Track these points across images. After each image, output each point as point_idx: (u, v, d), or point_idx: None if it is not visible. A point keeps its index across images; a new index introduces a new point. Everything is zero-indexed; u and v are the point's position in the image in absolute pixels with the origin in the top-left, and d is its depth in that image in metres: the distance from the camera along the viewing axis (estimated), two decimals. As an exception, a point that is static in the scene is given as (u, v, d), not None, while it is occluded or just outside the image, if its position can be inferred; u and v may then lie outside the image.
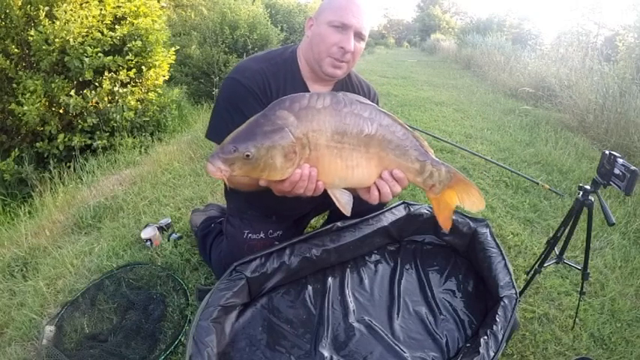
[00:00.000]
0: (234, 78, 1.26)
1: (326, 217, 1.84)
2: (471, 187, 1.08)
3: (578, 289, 1.51)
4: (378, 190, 1.05)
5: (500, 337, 1.09)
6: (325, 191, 1.44)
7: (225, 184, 1.22)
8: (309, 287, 1.33)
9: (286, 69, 1.30)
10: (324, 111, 0.96)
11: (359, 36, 1.23)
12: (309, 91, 1.31)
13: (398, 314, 1.27)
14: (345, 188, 1.05)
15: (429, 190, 1.09)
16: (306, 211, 1.57)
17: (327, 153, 0.98)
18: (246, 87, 1.24)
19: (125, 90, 4.02)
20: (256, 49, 6.69)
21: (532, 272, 1.55)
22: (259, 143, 0.91)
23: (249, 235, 1.44)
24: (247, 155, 0.90)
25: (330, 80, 1.33)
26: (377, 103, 1.44)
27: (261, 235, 1.45)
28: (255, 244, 1.42)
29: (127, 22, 4.09)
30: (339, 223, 1.42)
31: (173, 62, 4.75)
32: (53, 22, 3.59)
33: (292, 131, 0.93)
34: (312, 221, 1.86)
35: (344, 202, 1.05)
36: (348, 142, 0.98)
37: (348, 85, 1.41)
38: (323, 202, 1.53)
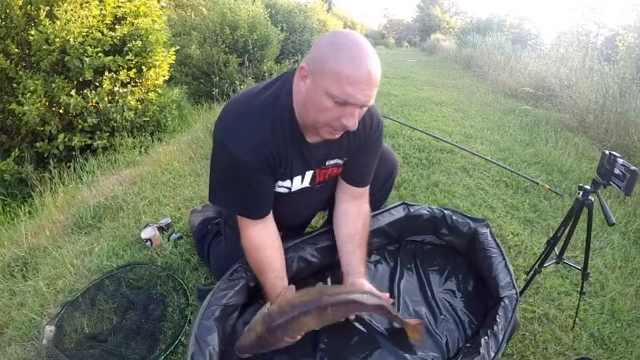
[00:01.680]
0: (233, 155, 1.10)
1: (326, 217, 1.84)
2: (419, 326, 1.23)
3: (578, 289, 1.51)
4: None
5: (500, 337, 1.10)
6: (326, 193, 1.44)
7: None
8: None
9: (284, 125, 1.12)
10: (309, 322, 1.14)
11: (365, 105, 1.03)
12: (308, 145, 1.18)
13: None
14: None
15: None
16: (304, 219, 1.57)
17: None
18: (247, 164, 1.11)
19: (125, 90, 4.02)
20: (256, 49, 6.69)
21: (532, 272, 1.54)
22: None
23: (248, 236, 1.43)
24: None
25: None
26: (381, 132, 1.32)
27: (260, 236, 1.44)
28: (254, 246, 1.41)
29: (127, 22, 4.09)
30: (339, 223, 1.42)
31: (173, 62, 4.75)
32: (53, 22, 3.59)
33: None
34: (312, 221, 1.86)
35: None
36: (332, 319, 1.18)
37: None
38: (324, 206, 1.53)
